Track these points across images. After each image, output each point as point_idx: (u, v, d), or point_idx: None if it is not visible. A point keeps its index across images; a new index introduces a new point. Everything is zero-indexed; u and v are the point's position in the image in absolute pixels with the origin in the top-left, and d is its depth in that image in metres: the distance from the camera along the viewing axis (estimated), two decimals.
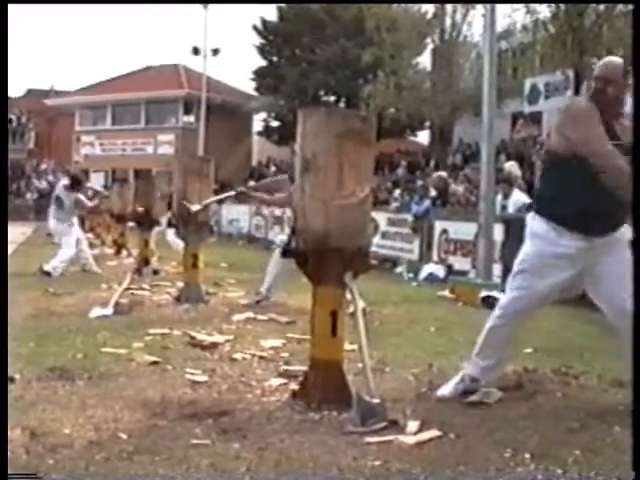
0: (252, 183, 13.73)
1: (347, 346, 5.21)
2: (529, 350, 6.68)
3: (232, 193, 12.06)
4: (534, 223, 5.08)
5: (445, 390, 5.31)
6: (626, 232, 4.85)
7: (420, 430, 4.42)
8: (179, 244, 12.88)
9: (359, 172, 4.95)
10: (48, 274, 12.65)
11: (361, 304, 5.03)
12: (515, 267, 5.16)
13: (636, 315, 4.49)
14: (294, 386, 5.25)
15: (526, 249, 5.11)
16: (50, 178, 45.55)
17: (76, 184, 13.92)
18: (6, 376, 4.38)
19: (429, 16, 31.43)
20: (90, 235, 18.69)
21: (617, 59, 4.98)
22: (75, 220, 13.87)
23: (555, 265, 4.94)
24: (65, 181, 14.33)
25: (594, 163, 4.72)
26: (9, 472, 3.51)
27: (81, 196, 13.91)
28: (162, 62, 46.83)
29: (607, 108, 4.80)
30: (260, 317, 8.58)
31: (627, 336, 4.60)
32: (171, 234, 16.00)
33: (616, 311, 4.87)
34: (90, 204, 14.76)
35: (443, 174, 18.84)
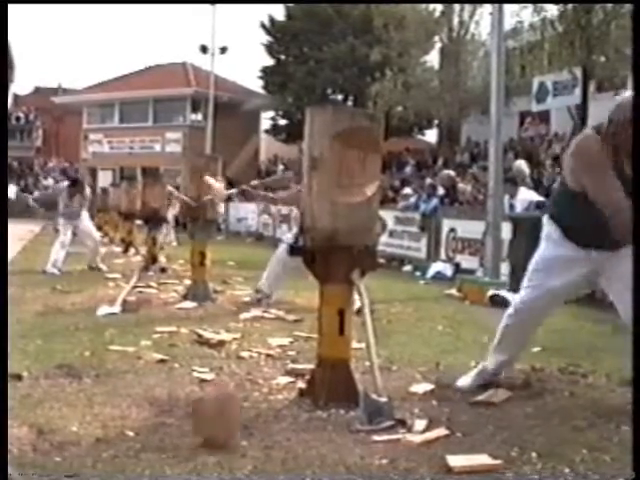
0: (256, 182, 13.55)
1: (354, 344, 5.21)
2: (537, 349, 6.67)
3: (234, 191, 12.13)
4: (549, 227, 5.17)
5: (465, 381, 5.36)
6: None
7: (427, 429, 4.42)
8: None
9: (367, 170, 4.95)
10: (52, 273, 12.74)
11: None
12: (530, 266, 5.24)
13: (636, 315, 4.49)
14: (301, 384, 5.26)
15: (540, 250, 5.20)
16: (57, 176, 45.62)
17: (74, 185, 14.24)
18: (6, 377, 4.38)
19: (437, 14, 31.35)
20: (99, 233, 18.72)
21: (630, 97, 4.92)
22: (85, 214, 14.07)
23: (566, 266, 5.01)
24: (67, 180, 14.60)
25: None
26: (9, 472, 3.51)
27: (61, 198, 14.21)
28: (170, 60, 46.85)
29: (620, 148, 4.72)
30: (267, 315, 8.59)
31: None
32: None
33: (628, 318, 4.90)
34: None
35: (451, 172, 18.84)
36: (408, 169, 29.92)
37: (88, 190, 15.31)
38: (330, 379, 4.91)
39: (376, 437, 4.27)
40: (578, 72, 20.60)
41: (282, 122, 41.46)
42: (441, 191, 17.29)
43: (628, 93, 5.33)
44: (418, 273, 14.89)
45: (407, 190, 19.85)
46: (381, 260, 5.61)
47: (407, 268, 15.92)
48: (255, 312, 8.73)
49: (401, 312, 9.27)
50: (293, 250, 5.35)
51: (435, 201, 16.44)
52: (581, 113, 21.00)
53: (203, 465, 3.83)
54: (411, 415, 4.68)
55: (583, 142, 5.01)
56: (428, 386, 5.43)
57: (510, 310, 5.34)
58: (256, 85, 43.21)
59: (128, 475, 3.71)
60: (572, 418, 4.65)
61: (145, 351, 6.51)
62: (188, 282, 10.24)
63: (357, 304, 5.16)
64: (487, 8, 21.42)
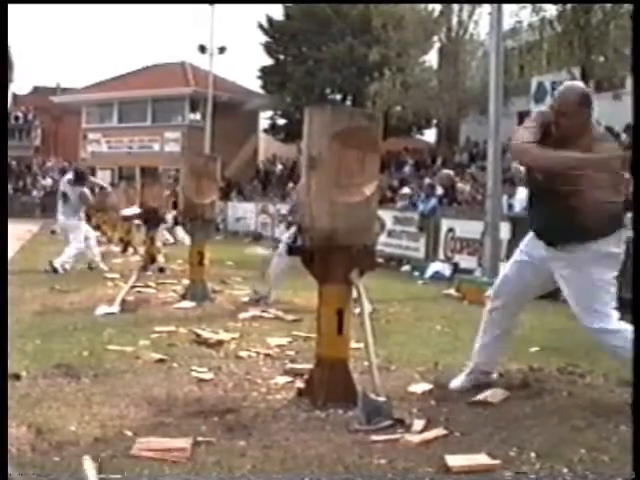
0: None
1: (353, 344, 5.21)
2: (535, 349, 6.68)
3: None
4: None
5: (456, 383, 5.37)
6: (598, 247, 4.85)
7: (425, 428, 4.42)
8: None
9: (365, 170, 4.95)
10: (55, 270, 12.67)
11: (367, 306, 5.04)
12: None
13: (636, 315, 4.50)
14: (300, 384, 5.26)
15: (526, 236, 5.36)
16: (55, 175, 45.62)
17: (80, 178, 13.95)
18: (6, 377, 4.38)
19: (436, 14, 31.35)
20: (97, 233, 18.70)
21: (575, 88, 5.05)
22: (82, 216, 13.94)
23: (535, 253, 5.13)
24: (69, 176, 14.28)
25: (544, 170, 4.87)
26: (9, 472, 3.51)
27: (85, 190, 13.87)
28: (168, 60, 46.82)
29: (564, 134, 4.85)
30: (266, 315, 8.59)
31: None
32: (181, 232, 16.07)
33: (585, 326, 5.01)
34: (92, 199, 14.36)
35: (450, 172, 18.85)
36: (407, 169, 29.92)
37: (94, 178, 14.92)
38: (329, 379, 4.91)
39: (374, 437, 4.27)
40: (577, 72, 20.58)
41: (281, 122, 41.45)
42: (440, 191, 17.28)
43: (568, 82, 5.45)
44: (416, 273, 14.88)
45: (405, 190, 19.87)
46: (380, 260, 5.61)
47: (406, 268, 15.91)
48: (254, 312, 8.73)
49: (399, 312, 9.27)
50: (292, 250, 5.35)
51: (434, 201, 16.43)
52: None
53: (202, 465, 3.84)
54: (409, 415, 4.69)
55: (514, 138, 5.13)
56: (426, 386, 5.43)
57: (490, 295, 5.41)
58: (255, 85, 43.26)
59: (127, 475, 3.71)
60: (570, 418, 4.65)
61: (143, 351, 6.51)
62: (186, 282, 10.23)
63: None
64: (486, 8, 21.43)
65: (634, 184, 4.48)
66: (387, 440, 4.22)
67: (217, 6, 39.50)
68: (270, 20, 39.94)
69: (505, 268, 5.43)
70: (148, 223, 14.10)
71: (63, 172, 43.97)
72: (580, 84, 5.31)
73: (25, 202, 41.23)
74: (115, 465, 3.81)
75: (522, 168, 13.96)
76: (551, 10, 21.15)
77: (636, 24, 5.13)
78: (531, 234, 5.19)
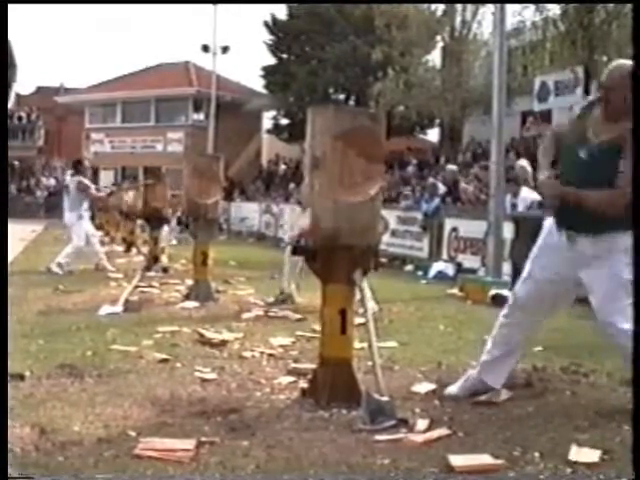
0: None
1: (356, 344, 5.21)
2: (538, 348, 6.67)
3: None
4: (548, 218, 5.18)
5: (453, 388, 5.34)
6: (622, 238, 4.71)
7: (429, 428, 4.42)
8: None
9: (369, 170, 4.95)
10: (49, 270, 12.66)
11: (371, 305, 5.04)
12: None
13: (636, 315, 4.49)
14: (303, 384, 5.26)
15: (537, 242, 5.20)
16: (59, 175, 45.61)
17: (78, 168, 13.95)
18: (6, 377, 4.38)
19: (439, 14, 31.32)
20: (99, 232, 18.67)
21: (622, 65, 4.97)
22: (86, 214, 13.90)
23: (552, 258, 4.98)
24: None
25: None
26: (9, 473, 3.50)
27: (82, 178, 13.81)
28: (172, 60, 46.80)
29: (609, 111, 4.81)
30: (270, 315, 8.59)
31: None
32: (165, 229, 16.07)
33: (600, 320, 4.96)
34: (93, 189, 14.26)
35: (455, 168, 18.85)
36: (410, 168, 29.88)
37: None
38: (332, 379, 4.91)
39: (378, 437, 4.27)
40: (580, 71, 20.56)
41: (284, 122, 41.42)
42: (442, 190, 17.27)
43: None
44: (420, 273, 14.88)
45: (406, 190, 19.89)
46: (383, 259, 5.61)
47: (409, 268, 15.91)
48: (257, 312, 8.74)
49: (403, 312, 9.27)
50: (295, 250, 5.35)
51: (437, 201, 16.44)
52: None
53: (205, 465, 3.84)
54: (413, 415, 4.69)
55: None
56: (430, 386, 5.43)
57: (505, 310, 5.30)
58: (258, 85, 43.23)
59: (130, 475, 3.71)
60: (574, 417, 4.65)
61: (147, 351, 6.52)
62: (190, 282, 10.24)
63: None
64: (489, 8, 21.40)
65: (634, 184, 4.47)
66: (390, 440, 4.22)
67: (220, 6, 39.55)
68: (274, 19, 39.92)
69: (521, 282, 5.22)
70: (151, 223, 14.11)
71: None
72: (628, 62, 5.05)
73: (29, 202, 41.30)
74: (118, 465, 3.81)
75: (529, 168, 14.04)
76: (554, 9, 21.14)
77: (636, 24, 5.11)
78: (551, 234, 5.01)
